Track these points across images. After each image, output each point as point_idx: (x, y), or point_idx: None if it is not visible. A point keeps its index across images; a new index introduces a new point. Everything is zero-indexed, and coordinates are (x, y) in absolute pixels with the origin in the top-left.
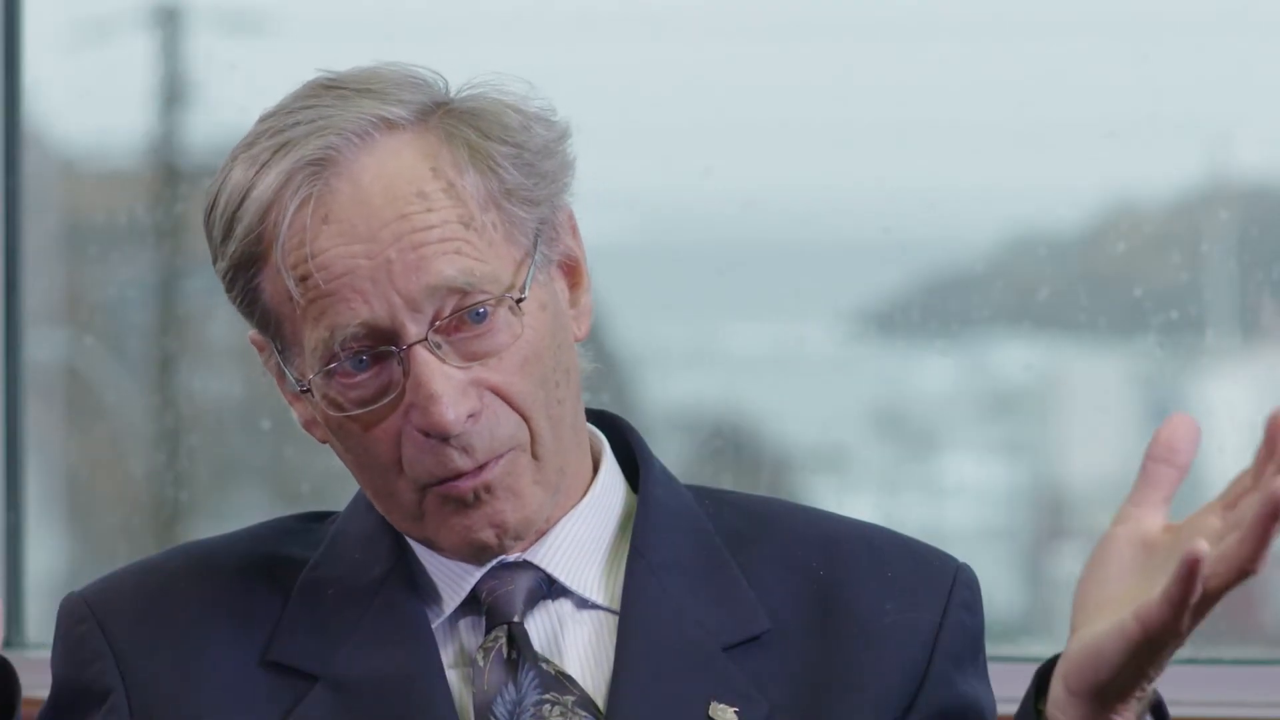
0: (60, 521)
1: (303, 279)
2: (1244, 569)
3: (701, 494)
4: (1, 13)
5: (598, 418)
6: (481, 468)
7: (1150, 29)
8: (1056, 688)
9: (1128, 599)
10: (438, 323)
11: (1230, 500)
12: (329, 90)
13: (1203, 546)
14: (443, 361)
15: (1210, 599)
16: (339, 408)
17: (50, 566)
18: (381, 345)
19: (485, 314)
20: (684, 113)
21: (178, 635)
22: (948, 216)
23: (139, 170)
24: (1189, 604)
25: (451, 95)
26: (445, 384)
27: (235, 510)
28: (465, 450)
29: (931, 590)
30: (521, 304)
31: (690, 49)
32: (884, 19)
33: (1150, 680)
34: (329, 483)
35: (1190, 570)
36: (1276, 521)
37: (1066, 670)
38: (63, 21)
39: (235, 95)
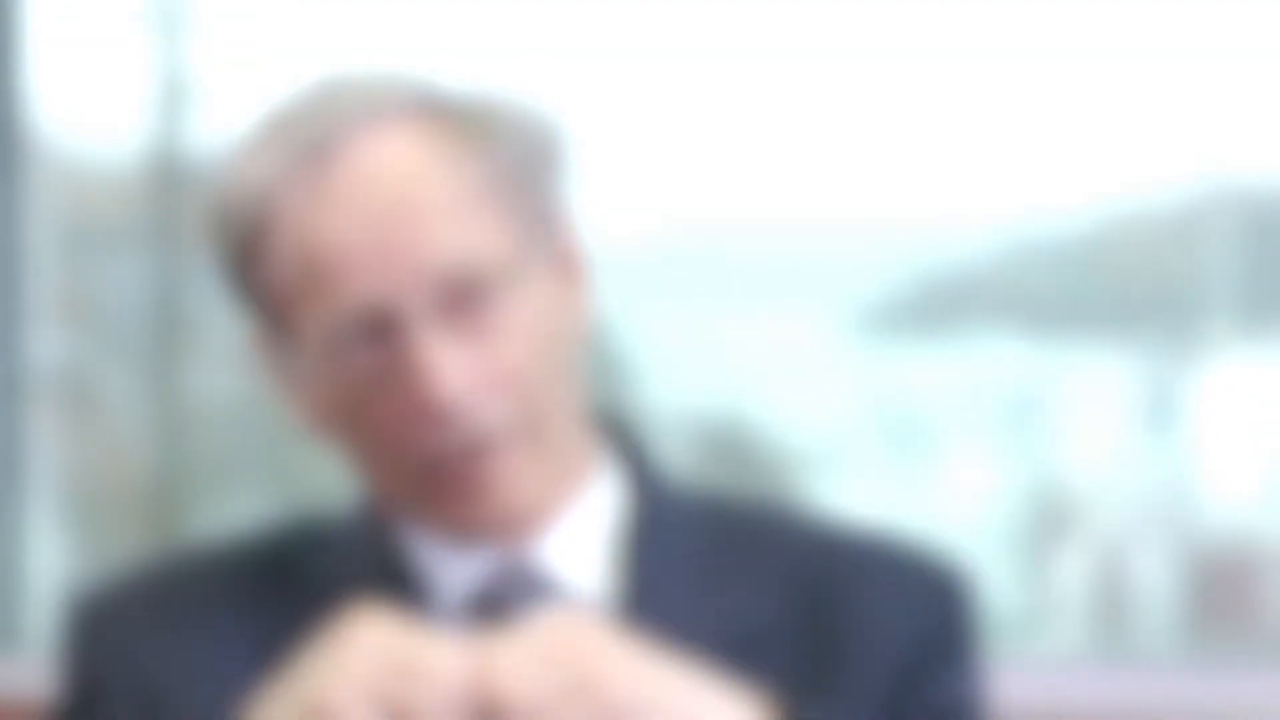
0: (60, 521)
1: (301, 261)
2: None
3: (699, 494)
4: (1, 13)
5: (597, 418)
6: (480, 448)
7: (1150, 29)
8: None
9: None
10: (435, 301)
11: None
12: (328, 84)
13: None
14: (440, 339)
15: None
16: (336, 390)
17: (50, 566)
18: (380, 325)
19: (483, 294)
20: (684, 113)
21: (180, 636)
22: (948, 216)
23: (139, 170)
24: None
25: (452, 93)
26: (441, 360)
27: (235, 510)
28: (462, 429)
29: (925, 591)
30: (519, 285)
31: (691, 50)
32: (884, 19)
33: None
34: (329, 483)
35: None
36: None
37: None
38: (63, 21)
39: (235, 95)
